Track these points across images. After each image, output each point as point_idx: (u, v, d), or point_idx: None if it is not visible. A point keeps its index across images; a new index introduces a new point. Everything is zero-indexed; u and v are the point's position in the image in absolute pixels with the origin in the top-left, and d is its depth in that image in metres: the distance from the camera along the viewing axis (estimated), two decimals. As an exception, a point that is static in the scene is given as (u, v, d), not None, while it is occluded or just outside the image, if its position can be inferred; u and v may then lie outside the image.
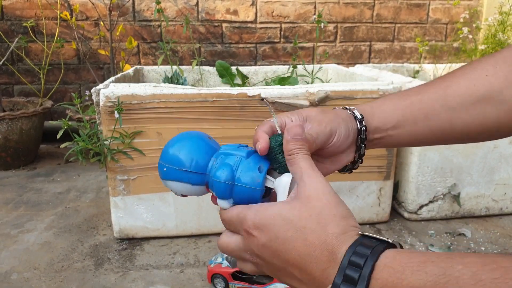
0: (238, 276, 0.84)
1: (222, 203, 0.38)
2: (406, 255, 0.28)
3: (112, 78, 1.09)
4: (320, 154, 0.44)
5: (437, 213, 1.14)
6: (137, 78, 1.36)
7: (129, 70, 1.29)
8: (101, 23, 1.75)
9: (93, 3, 1.71)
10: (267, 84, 1.43)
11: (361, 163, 0.47)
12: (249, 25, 1.85)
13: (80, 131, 0.94)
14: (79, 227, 1.11)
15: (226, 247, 0.38)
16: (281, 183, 0.37)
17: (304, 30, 1.89)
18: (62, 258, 0.96)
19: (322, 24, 1.37)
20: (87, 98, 1.64)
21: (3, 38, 1.67)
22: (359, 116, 0.44)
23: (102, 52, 1.73)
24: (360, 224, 1.12)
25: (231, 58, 1.87)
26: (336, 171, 0.48)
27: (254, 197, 0.37)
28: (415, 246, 1.02)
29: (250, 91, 0.96)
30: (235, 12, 1.83)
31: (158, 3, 1.27)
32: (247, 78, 1.44)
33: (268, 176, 0.39)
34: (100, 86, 0.97)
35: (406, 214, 1.15)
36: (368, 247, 0.29)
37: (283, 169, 0.39)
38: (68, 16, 1.63)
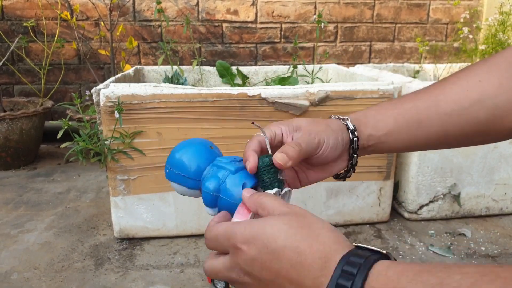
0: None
1: (208, 209, 0.42)
2: (401, 265, 0.28)
3: (113, 78, 1.09)
4: (309, 162, 0.45)
5: (437, 213, 1.14)
6: (138, 78, 1.36)
7: (130, 70, 1.29)
8: (102, 23, 1.75)
9: (93, 3, 1.71)
10: (267, 84, 1.43)
11: (354, 172, 0.48)
12: (250, 25, 1.85)
13: (81, 131, 0.94)
14: (79, 227, 1.11)
15: (212, 270, 0.36)
16: None
17: (304, 30, 1.89)
18: (62, 258, 0.96)
19: (322, 24, 1.37)
20: (87, 98, 1.64)
21: (3, 38, 1.67)
22: (351, 127, 0.45)
23: (102, 52, 1.73)
24: (360, 224, 1.12)
25: (231, 58, 1.87)
26: (332, 178, 0.48)
27: (234, 211, 0.39)
28: (415, 246, 1.03)
29: (250, 91, 0.96)
30: (236, 12, 1.83)
31: (159, 3, 1.28)
32: (248, 78, 1.44)
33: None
34: (101, 86, 0.97)
35: (406, 214, 1.15)
36: (361, 257, 0.29)
37: (268, 189, 0.40)
38: (69, 16, 1.63)
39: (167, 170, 0.45)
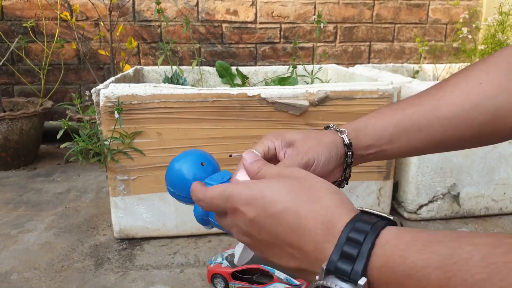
0: (238, 276, 0.84)
1: (205, 227, 0.44)
2: (410, 233, 0.26)
3: (112, 78, 1.09)
4: None
5: (436, 213, 1.15)
6: (137, 78, 1.36)
7: (129, 70, 1.29)
8: (101, 23, 1.75)
9: (93, 4, 1.71)
10: (267, 84, 1.43)
11: (347, 184, 0.47)
12: (249, 25, 1.85)
13: (80, 131, 0.94)
14: (79, 227, 1.11)
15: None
16: None
17: (304, 30, 1.89)
18: (62, 258, 0.97)
19: (322, 25, 1.37)
20: (87, 98, 1.64)
21: (3, 38, 1.67)
22: (347, 141, 0.44)
23: (102, 52, 1.73)
24: (360, 224, 1.12)
25: (231, 58, 1.87)
26: None
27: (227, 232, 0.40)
28: (415, 246, 1.03)
29: (250, 91, 0.96)
30: (235, 13, 1.83)
31: (158, 3, 1.28)
32: (247, 78, 1.45)
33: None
34: (100, 86, 0.97)
35: (405, 214, 1.15)
36: (368, 223, 0.27)
37: None
38: (68, 17, 1.63)
39: (167, 186, 0.46)
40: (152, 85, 0.97)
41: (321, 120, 1.00)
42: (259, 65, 1.85)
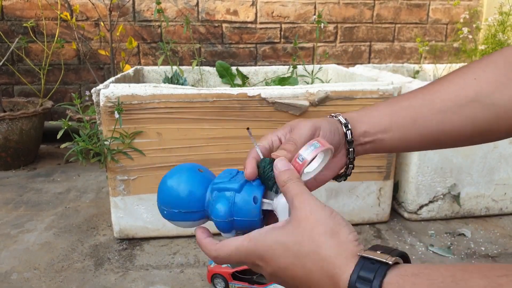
0: (238, 276, 0.84)
1: (225, 235, 0.41)
2: (409, 283, 0.28)
3: (112, 79, 1.09)
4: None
5: (437, 213, 1.14)
6: (137, 78, 1.36)
7: (129, 70, 1.29)
8: (101, 23, 1.75)
9: (93, 4, 1.71)
10: (267, 84, 1.43)
11: (353, 168, 0.48)
12: (249, 25, 1.85)
13: (80, 131, 0.94)
14: (79, 227, 1.11)
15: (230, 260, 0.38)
16: (279, 205, 0.38)
17: (304, 30, 1.89)
18: (62, 258, 0.96)
19: (322, 25, 1.37)
20: (87, 98, 1.64)
21: (3, 38, 1.67)
22: (343, 121, 0.45)
23: (102, 52, 1.73)
24: (360, 224, 1.12)
25: (231, 58, 1.87)
26: (332, 180, 0.48)
27: (254, 226, 0.39)
28: (415, 246, 1.03)
29: (250, 91, 0.96)
30: (235, 13, 1.83)
31: (158, 3, 1.28)
32: (247, 78, 1.44)
33: (265, 200, 0.40)
34: (100, 86, 0.97)
35: (406, 214, 1.15)
36: (371, 271, 0.29)
37: (275, 191, 0.40)
38: (68, 17, 1.63)
39: (165, 212, 0.41)
40: (152, 85, 0.97)
41: (321, 120, 1.00)
42: (259, 65, 1.85)
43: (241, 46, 1.87)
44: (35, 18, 1.73)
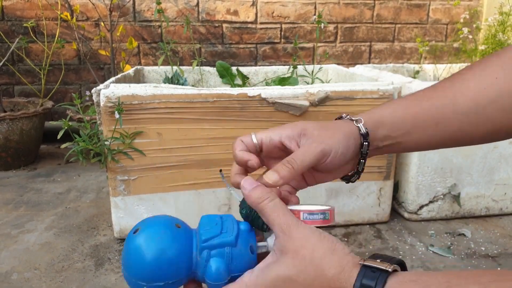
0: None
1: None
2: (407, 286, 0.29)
3: (113, 79, 1.09)
4: (315, 168, 0.43)
5: (437, 213, 1.14)
6: (138, 78, 1.36)
7: (130, 70, 1.29)
8: (102, 23, 1.76)
9: (93, 4, 1.71)
10: (267, 84, 1.43)
11: (358, 178, 0.47)
12: (250, 25, 1.85)
13: (81, 132, 0.94)
14: (80, 227, 1.11)
15: None
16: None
17: (304, 30, 1.89)
18: (63, 258, 0.97)
19: (322, 25, 1.37)
20: (87, 98, 1.64)
21: (3, 38, 1.67)
22: (363, 131, 0.43)
23: (102, 52, 1.73)
24: (360, 224, 1.12)
25: (231, 58, 1.87)
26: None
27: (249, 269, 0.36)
28: (415, 246, 1.03)
29: (250, 91, 0.96)
30: (236, 13, 1.83)
31: (159, 3, 1.28)
32: (248, 78, 1.45)
33: (259, 244, 0.38)
34: (101, 86, 0.97)
35: (406, 214, 1.15)
36: (372, 278, 0.30)
37: (262, 229, 0.38)
38: (69, 17, 1.63)
39: (144, 287, 0.33)
40: (153, 85, 0.97)
41: (322, 120, 1.00)
42: (260, 65, 1.85)
43: (241, 46, 1.87)
44: (35, 18, 1.73)
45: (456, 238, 1.07)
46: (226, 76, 1.42)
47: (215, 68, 1.44)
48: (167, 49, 1.30)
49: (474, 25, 1.77)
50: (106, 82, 1.02)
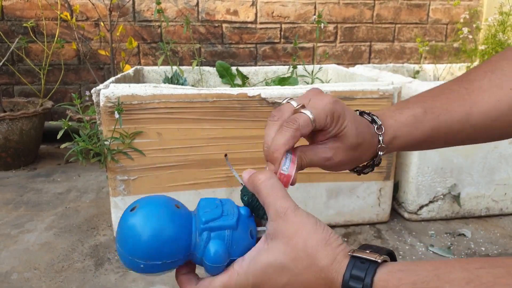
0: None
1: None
2: (396, 278, 0.30)
3: (112, 79, 1.09)
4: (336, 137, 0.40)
5: (437, 214, 1.14)
6: (137, 78, 1.36)
7: (129, 70, 1.29)
8: (101, 23, 1.75)
9: (93, 4, 1.71)
10: (267, 84, 1.43)
11: (372, 170, 0.47)
12: (249, 25, 1.85)
13: (80, 132, 0.94)
14: (79, 227, 1.11)
15: None
16: None
17: (304, 30, 1.89)
18: (63, 258, 0.96)
19: (322, 25, 1.37)
20: (87, 98, 1.64)
21: (3, 38, 1.67)
22: (380, 152, 0.44)
23: (102, 52, 1.73)
24: (360, 224, 1.12)
25: (231, 58, 1.87)
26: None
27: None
28: (415, 247, 1.02)
29: (250, 91, 0.96)
30: (235, 13, 1.83)
31: (159, 3, 1.28)
32: (247, 78, 1.44)
33: (259, 229, 0.37)
34: (100, 86, 0.97)
35: (406, 215, 1.15)
36: (362, 269, 0.31)
37: (263, 218, 0.38)
38: (68, 17, 1.63)
39: (141, 266, 0.33)
40: (152, 85, 0.97)
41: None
42: (259, 65, 1.85)
43: (241, 46, 1.87)
44: (35, 18, 1.73)
45: (456, 238, 1.07)
46: (226, 76, 1.42)
47: (215, 68, 1.44)
48: (167, 49, 1.30)
49: (474, 25, 1.77)
50: (106, 82, 1.02)
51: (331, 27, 1.90)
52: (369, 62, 1.97)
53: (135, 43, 1.69)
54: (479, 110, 0.43)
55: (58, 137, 0.95)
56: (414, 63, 1.94)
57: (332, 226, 1.11)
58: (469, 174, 1.12)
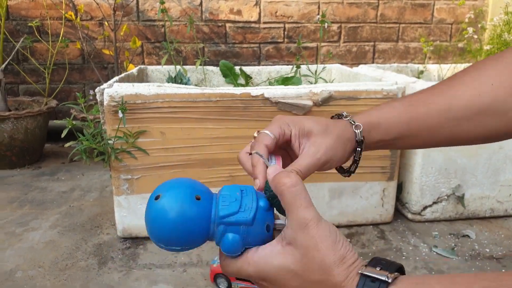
0: (241, 276, 0.84)
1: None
2: None
3: (116, 78, 1.10)
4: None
5: (441, 214, 1.14)
6: (141, 77, 1.37)
7: (133, 69, 1.30)
8: (106, 23, 1.76)
9: (97, 3, 1.72)
10: (270, 84, 1.43)
11: (349, 176, 0.48)
12: (253, 25, 1.85)
13: (84, 131, 0.95)
14: (83, 226, 1.12)
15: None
16: None
17: (307, 30, 1.89)
18: (66, 256, 0.97)
19: (326, 24, 1.37)
20: (91, 97, 1.64)
21: (8, 38, 1.68)
22: (360, 138, 0.45)
23: (106, 52, 1.73)
24: (364, 225, 1.12)
25: (234, 58, 1.87)
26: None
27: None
28: (419, 247, 1.02)
29: (253, 91, 0.96)
30: (239, 12, 1.83)
31: (162, 3, 1.28)
32: (251, 78, 1.44)
33: (277, 222, 0.38)
34: (104, 85, 0.97)
35: (409, 215, 1.15)
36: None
37: (280, 211, 0.38)
38: (73, 16, 1.63)
39: (162, 246, 0.38)
40: (156, 84, 0.97)
41: (325, 120, 1.00)
42: (263, 65, 1.84)
43: (245, 45, 1.87)
44: (40, 18, 1.74)
45: (460, 239, 1.06)
46: (229, 75, 1.42)
47: (218, 68, 1.44)
48: (171, 49, 1.30)
49: (479, 25, 1.75)
50: (110, 81, 1.02)
51: (334, 27, 1.90)
52: (373, 62, 1.96)
53: (139, 43, 1.70)
54: (459, 103, 0.43)
55: (62, 136, 0.95)
56: (418, 63, 1.93)
57: (336, 227, 1.11)
58: (474, 175, 1.11)
